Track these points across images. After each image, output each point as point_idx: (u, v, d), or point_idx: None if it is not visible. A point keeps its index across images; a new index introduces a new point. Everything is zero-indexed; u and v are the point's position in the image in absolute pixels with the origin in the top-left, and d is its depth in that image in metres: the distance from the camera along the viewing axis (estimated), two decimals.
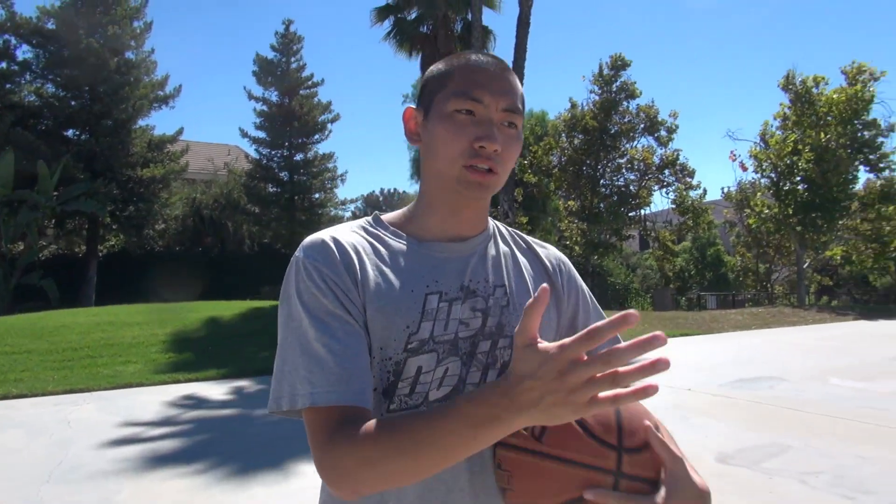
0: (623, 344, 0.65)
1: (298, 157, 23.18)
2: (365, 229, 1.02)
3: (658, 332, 0.63)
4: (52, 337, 9.76)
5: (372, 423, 0.82)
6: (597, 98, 21.25)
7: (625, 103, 21.15)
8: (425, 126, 1.00)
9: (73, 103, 18.82)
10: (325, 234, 0.98)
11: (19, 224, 15.81)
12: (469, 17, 18.80)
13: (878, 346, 10.11)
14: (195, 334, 10.57)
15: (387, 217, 1.06)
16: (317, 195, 23.29)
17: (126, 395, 7.07)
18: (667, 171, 21.06)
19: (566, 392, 0.67)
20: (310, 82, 23.26)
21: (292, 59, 23.07)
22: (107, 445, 5.04)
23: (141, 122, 19.79)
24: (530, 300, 0.71)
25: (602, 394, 0.67)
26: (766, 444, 4.75)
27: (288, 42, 23.07)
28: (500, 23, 27.86)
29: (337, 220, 25.20)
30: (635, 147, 21.40)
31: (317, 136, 23.35)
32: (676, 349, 10.04)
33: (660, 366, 0.64)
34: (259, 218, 22.46)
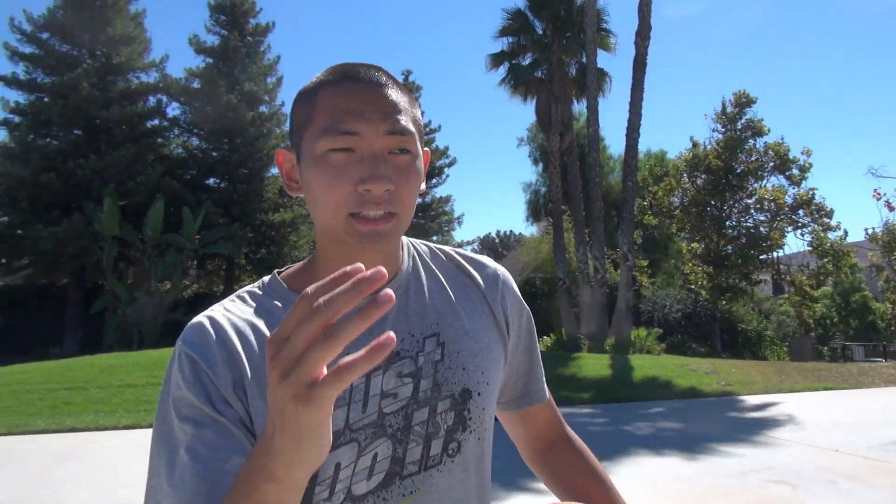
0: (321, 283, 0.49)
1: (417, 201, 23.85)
2: (256, 299, 0.84)
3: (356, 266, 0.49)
4: None
5: None
6: (720, 136, 20.46)
7: (751, 141, 20.21)
8: (301, 171, 0.82)
9: (213, 154, 20.48)
10: (206, 317, 0.80)
11: (167, 265, 17.23)
12: (584, 59, 18.80)
13: None
14: None
15: (285, 275, 0.88)
16: (434, 237, 23.76)
17: None
18: (801, 212, 19.79)
19: (278, 382, 0.50)
20: (427, 129, 24.02)
21: None
22: None
23: (273, 171, 21.13)
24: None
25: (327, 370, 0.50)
26: None
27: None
28: (615, 64, 27.51)
29: None
30: (764, 186, 20.32)
31: (434, 181, 23.96)
32: (820, 405, 9.25)
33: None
34: None
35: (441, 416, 0.82)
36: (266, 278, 0.88)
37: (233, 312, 0.81)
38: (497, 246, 67.57)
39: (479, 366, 0.86)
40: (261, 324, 0.80)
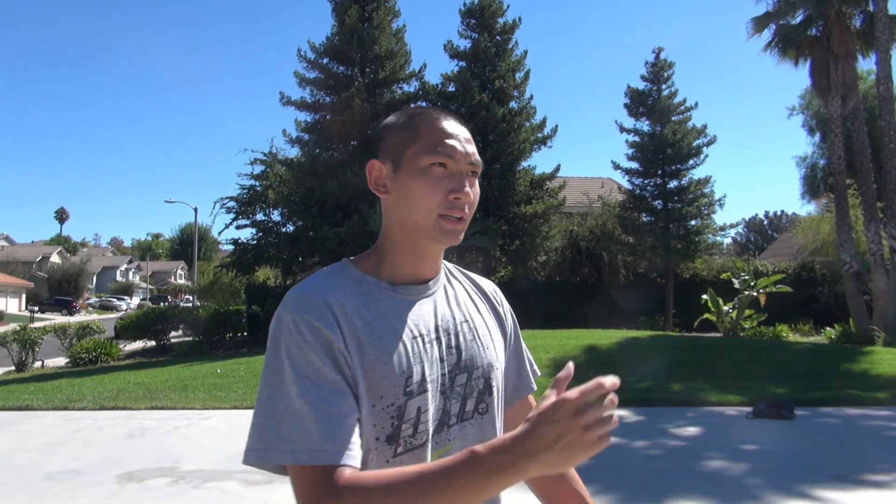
0: (589, 386, 0.78)
1: (672, 184, 22.66)
2: (343, 277, 1.04)
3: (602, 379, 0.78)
4: None
5: (370, 476, 0.86)
6: None
7: None
8: (395, 178, 1.05)
9: None
10: (310, 288, 1.00)
11: None
12: (871, 7, 16.22)
13: None
14: (576, 360, 10.92)
15: (356, 261, 1.09)
16: (693, 222, 22.37)
17: None
18: None
19: (581, 430, 0.77)
20: (682, 107, 22.66)
21: (663, 87, 22.79)
22: None
23: (524, 164, 21.62)
24: (561, 374, 0.84)
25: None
26: None
27: (658, 70, 22.89)
28: None
29: (716, 246, 23.78)
30: None
31: (691, 162, 22.53)
32: None
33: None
34: (633, 248, 22.50)
35: (475, 381, 1.07)
36: (340, 263, 1.09)
37: (329, 288, 1.01)
38: (766, 228, 61.50)
39: (495, 348, 1.14)
40: (354, 297, 1.01)
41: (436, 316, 1.07)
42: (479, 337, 1.11)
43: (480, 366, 1.09)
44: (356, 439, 0.90)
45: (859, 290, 15.89)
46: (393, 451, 0.96)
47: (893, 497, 4.65)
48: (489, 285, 1.26)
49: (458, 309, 1.12)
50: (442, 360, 1.04)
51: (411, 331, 1.02)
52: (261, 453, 0.90)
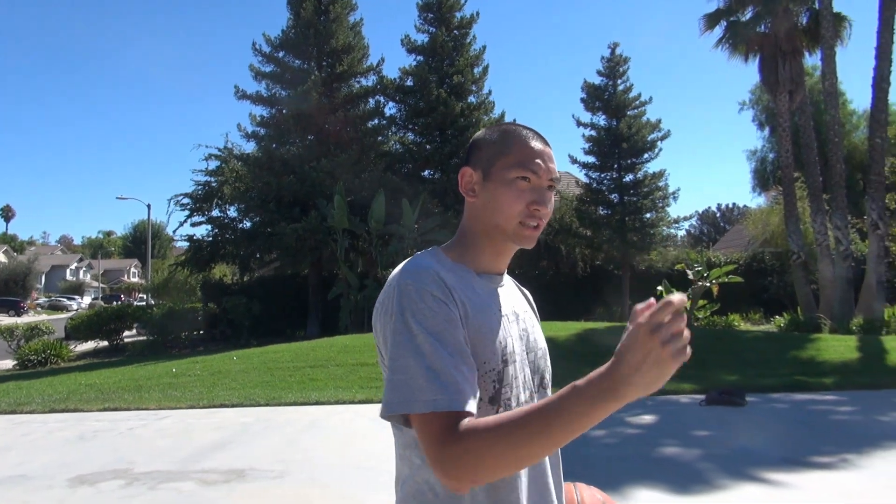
0: (659, 307, 0.87)
1: (628, 178, 23.05)
2: (440, 261, 1.20)
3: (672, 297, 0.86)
4: None
5: (486, 418, 0.97)
6: None
7: None
8: (484, 186, 1.21)
9: (427, 147, 21.55)
10: (422, 265, 1.13)
11: (390, 254, 18.56)
12: (817, 5, 16.73)
13: None
14: None
15: (443, 249, 1.25)
16: (648, 215, 22.79)
17: None
18: None
19: (661, 346, 0.85)
20: (637, 102, 23.04)
21: (619, 82, 23.13)
22: None
23: None
24: (638, 305, 0.90)
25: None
26: None
27: (614, 65, 23.22)
28: (855, 5, 23.79)
29: (670, 239, 24.28)
30: None
31: (646, 156, 22.95)
32: None
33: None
34: (591, 240, 22.81)
35: (539, 360, 1.26)
36: (432, 249, 1.26)
37: (435, 266, 1.14)
38: (718, 220, 63.01)
39: (542, 335, 1.31)
40: (453, 275, 1.16)
41: (510, 302, 1.25)
42: (536, 324, 1.31)
43: (541, 348, 1.28)
44: (476, 392, 1.05)
45: (807, 280, 16.42)
46: (495, 410, 1.12)
47: (839, 477, 4.83)
48: (526, 290, 1.43)
49: (519, 300, 1.31)
50: (521, 338, 1.22)
51: (500, 310, 1.19)
52: (403, 404, 1.01)
